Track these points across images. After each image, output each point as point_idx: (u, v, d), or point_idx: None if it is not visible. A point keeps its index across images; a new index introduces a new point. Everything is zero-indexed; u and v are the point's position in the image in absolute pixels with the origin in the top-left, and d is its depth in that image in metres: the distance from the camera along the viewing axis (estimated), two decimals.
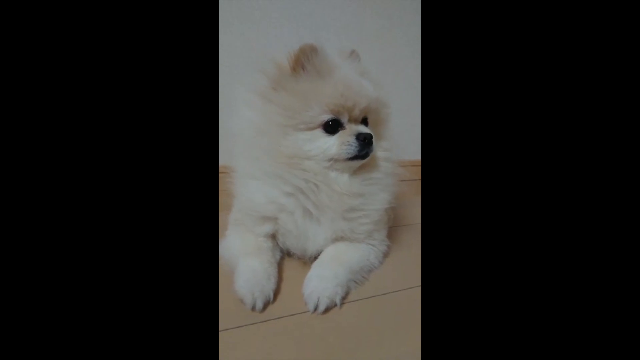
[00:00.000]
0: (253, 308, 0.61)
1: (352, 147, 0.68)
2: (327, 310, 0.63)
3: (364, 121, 0.73)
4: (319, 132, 0.69)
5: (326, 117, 0.68)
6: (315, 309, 0.62)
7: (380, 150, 0.76)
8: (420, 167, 1.62)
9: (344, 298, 0.67)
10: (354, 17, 1.43)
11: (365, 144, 0.69)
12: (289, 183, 0.70)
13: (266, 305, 0.63)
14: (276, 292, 0.67)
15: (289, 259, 0.81)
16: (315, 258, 0.74)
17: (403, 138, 1.61)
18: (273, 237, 0.77)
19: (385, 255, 0.84)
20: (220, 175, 0.70)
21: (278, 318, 0.61)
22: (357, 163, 0.71)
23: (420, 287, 0.74)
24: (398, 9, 1.50)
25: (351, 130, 0.70)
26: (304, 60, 0.67)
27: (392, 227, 1.05)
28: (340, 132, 0.70)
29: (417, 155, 1.61)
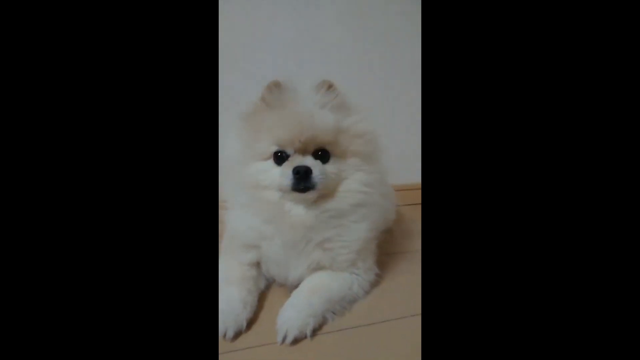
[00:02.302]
0: (224, 336, 0.63)
1: (287, 179, 0.68)
2: (296, 341, 0.63)
3: (322, 152, 0.72)
4: (271, 163, 0.72)
5: (274, 148, 0.71)
6: (284, 339, 0.62)
7: (351, 182, 0.75)
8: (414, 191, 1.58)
9: (317, 329, 0.66)
10: (353, 42, 1.46)
11: (299, 178, 0.67)
12: (259, 213, 0.73)
13: (238, 334, 0.64)
14: (252, 321, 0.68)
15: (276, 287, 0.82)
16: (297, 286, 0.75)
17: (401, 161, 1.59)
18: (258, 265, 0.79)
19: (374, 284, 0.82)
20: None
21: (246, 348, 0.62)
22: (303, 196, 0.70)
23: (404, 319, 0.72)
24: (397, 31, 1.51)
25: (293, 162, 0.70)
26: (267, 96, 0.71)
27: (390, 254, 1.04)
28: (285, 164, 0.71)
29: (413, 179, 1.57)
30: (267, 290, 0.80)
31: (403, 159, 1.58)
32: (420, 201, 1.59)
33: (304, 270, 0.74)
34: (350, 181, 0.75)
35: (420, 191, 1.57)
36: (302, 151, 0.71)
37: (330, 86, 0.75)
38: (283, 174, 0.69)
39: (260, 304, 0.74)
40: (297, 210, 0.72)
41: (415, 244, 1.12)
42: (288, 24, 1.36)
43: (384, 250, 0.97)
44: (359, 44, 1.47)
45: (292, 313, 0.65)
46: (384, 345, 0.64)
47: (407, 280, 0.86)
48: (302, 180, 0.68)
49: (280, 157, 0.71)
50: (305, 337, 0.64)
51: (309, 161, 0.70)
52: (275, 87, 0.71)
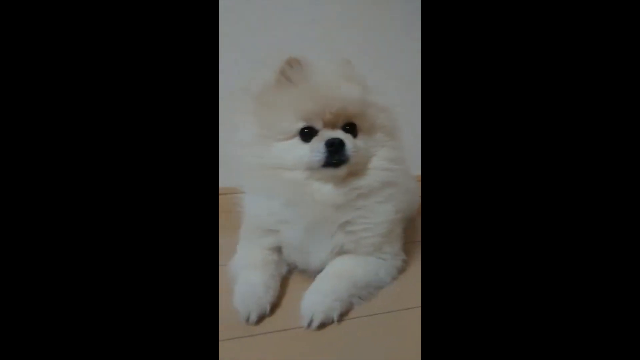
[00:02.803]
0: (247, 320, 0.60)
1: (320, 154, 0.65)
2: (322, 325, 0.59)
3: (349, 127, 0.69)
4: (297, 141, 0.68)
5: (300, 124, 0.67)
6: (310, 324, 0.59)
7: (378, 159, 0.71)
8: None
9: (344, 314, 0.63)
10: (353, 36, 1.42)
11: (333, 150, 0.64)
12: (279, 195, 0.69)
13: (261, 318, 0.61)
14: (275, 306, 0.65)
15: (297, 273, 0.79)
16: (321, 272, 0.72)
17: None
18: (279, 250, 0.76)
19: (401, 270, 0.78)
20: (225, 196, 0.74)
21: (272, 332, 0.59)
22: (335, 171, 0.67)
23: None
24: (398, 27, 1.46)
25: (323, 136, 0.66)
26: (288, 71, 0.67)
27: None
28: (314, 139, 0.67)
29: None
30: (289, 276, 0.77)
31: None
32: None
33: (327, 255, 0.71)
34: (379, 157, 0.71)
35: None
36: (332, 125, 0.67)
37: (349, 62, 0.71)
38: (313, 149, 0.65)
39: (282, 289, 0.71)
40: (324, 189, 0.68)
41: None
42: (289, 16, 1.31)
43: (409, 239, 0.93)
44: (358, 33, 1.42)
45: (317, 297, 0.62)
46: (407, 332, 0.60)
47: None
48: (336, 153, 0.64)
49: (307, 134, 0.67)
50: (332, 321, 0.61)
51: (339, 134, 0.66)
52: (295, 62, 0.67)
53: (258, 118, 0.70)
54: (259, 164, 0.70)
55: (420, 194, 1.24)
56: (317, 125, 0.67)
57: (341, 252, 0.71)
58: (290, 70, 0.67)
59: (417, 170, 1.41)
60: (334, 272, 0.69)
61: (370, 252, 0.73)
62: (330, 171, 0.67)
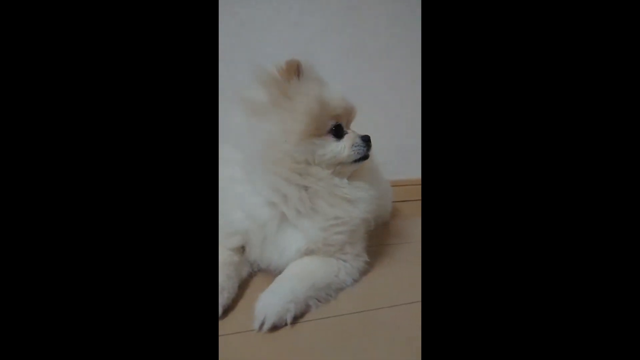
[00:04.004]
0: None
1: (362, 148, 0.73)
2: (274, 328, 0.58)
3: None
4: (330, 137, 0.71)
5: (332, 122, 0.71)
6: (261, 326, 0.57)
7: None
8: (416, 187, 1.54)
9: (299, 317, 0.62)
10: (352, 36, 1.42)
11: (368, 144, 0.74)
12: (279, 191, 0.68)
13: None
14: (230, 308, 0.64)
15: (259, 276, 0.78)
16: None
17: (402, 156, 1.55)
18: (241, 250, 0.75)
19: (363, 272, 0.78)
20: None
21: (223, 335, 0.57)
22: (358, 165, 0.75)
23: (386, 308, 0.67)
24: (398, 27, 1.47)
25: (353, 133, 0.74)
26: (308, 71, 0.69)
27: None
28: (347, 136, 0.73)
29: (415, 174, 1.53)
30: (250, 279, 0.76)
31: (400, 155, 1.55)
32: (410, 198, 1.55)
33: (296, 253, 0.70)
34: None
35: (410, 188, 1.54)
36: (347, 125, 0.75)
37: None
38: (354, 144, 0.73)
39: (241, 292, 0.69)
40: (343, 183, 0.73)
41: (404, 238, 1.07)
42: (288, 18, 1.32)
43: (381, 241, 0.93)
44: (358, 35, 1.43)
45: (272, 299, 0.60)
46: (366, 335, 0.59)
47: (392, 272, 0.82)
48: (369, 147, 0.74)
49: (338, 131, 0.72)
50: (285, 324, 0.59)
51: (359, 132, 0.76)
52: (304, 65, 0.69)
53: (289, 110, 0.67)
54: (289, 158, 0.67)
55: (391, 199, 1.24)
56: (343, 124, 0.74)
57: (308, 250, 0.71)
58: (309, 71, 0.70)
59: (396, 175, 1.44)
60: (293, 274, 0.67)
61: (332, 253, 0.72)
62: (354, 166, 0.75)
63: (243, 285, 0.72)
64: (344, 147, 0.72)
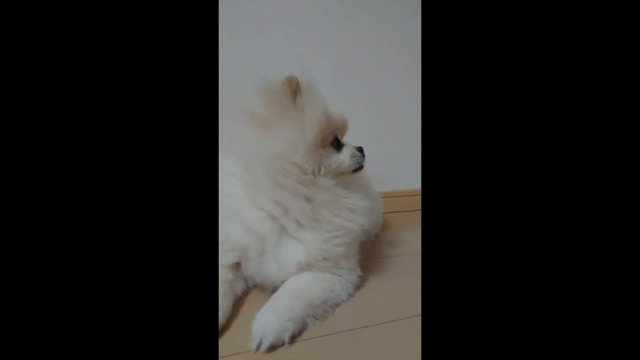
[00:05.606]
0: None
1: (360, 158, 0.79)
2: (272, 348, 0.57)
3: None
4: (331, 149, 0.75)
5: (333, 135, 0.75)
6: (259, 346, 0.56)
7: None
8: (414, 197, 1.56)
9: (296, 336, 0.61)
10: (350, 41, 1.44)
11: (363, 155, 0.80)
12: (281, 204, 0.68)
13: None
14: (225, 328, 0.62)
15: (255, 291, 0.76)
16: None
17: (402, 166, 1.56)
18: (236, 267, 0.74)
19: (358, 287, 0.78)
20: None
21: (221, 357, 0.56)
22: (355, 175, 0.80)
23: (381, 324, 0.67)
24: (395, 31, 1.50)
25: (349, 144, 0.79)
26: (309, 87, 0.70)
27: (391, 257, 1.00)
28: (345, 147, 0.78)
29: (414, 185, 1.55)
30: (244, 296, 0.75)
31: (394, 166, 1.56)
32: (406, 209, 1.57)
33: (295, 267, 0.70)
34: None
35: (398, 199, 1.56)
36: (342, 137, 0.79)
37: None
38: (353, 155, 0.78)
39: (236, 310, 0.68)
40: (344, 193, 0.75)
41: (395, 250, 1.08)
42: (280, 22, 1.32)
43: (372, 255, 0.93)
44: (354, 44, 1.43)
45: (269, 317, 0.60)
46: (362, 353, 0.59)
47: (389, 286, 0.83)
48: (364, 158, 0.80)
49: (339, 143, 0.77)
50: (283, 344, 0.58)
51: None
52: (306, 80, 0.71)
53: (298, 121, 0.68)
54: (298, 167, 0.68)
55: (382, 210, 1.25)
56: (340, 136, 0.78)
57: (306, 265, 0.70)
58: (310, 86, 0.71)
59: (383, 186, 1.46)
60: (289, 292, 0.67)
61: (327, 268, 0.72)
62: (353, 176, 0.79)
63: (237, 303, 0.71)
64: (345, 158, 0.76)
